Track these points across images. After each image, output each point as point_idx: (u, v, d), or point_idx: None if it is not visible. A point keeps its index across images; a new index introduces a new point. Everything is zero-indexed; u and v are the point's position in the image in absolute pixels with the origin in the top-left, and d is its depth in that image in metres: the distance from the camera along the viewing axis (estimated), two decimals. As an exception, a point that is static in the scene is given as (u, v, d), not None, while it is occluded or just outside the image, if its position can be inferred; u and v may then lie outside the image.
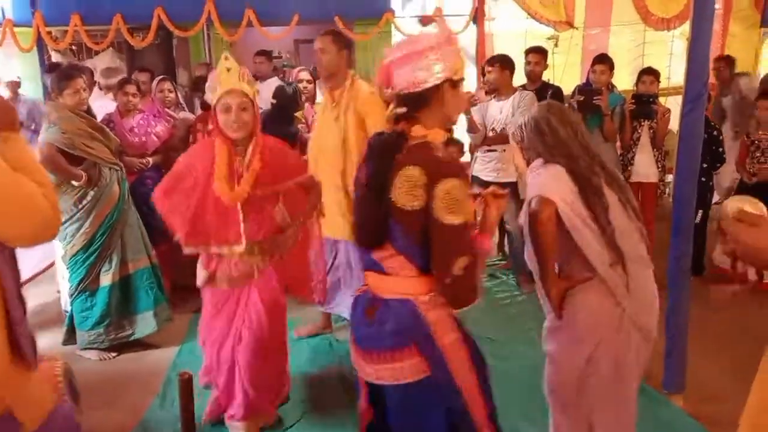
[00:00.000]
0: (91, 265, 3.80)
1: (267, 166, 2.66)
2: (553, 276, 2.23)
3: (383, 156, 1.75)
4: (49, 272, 4.87)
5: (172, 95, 4.92)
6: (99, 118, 4.13)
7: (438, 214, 1.66)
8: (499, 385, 3.36)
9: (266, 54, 5.97)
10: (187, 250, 2.69)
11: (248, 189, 2.61)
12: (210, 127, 2.70)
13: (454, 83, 1.78)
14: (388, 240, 1.76)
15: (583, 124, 2.30)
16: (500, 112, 4.61)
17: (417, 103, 1.76)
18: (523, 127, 2.32)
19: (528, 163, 2.37)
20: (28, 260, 4.45)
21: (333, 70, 3.51)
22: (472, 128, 4.60)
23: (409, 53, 1.73)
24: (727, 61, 6.22)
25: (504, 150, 4.62)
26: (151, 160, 4.45)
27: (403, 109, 1.77)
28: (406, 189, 1.68)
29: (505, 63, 4.66)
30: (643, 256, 2.22)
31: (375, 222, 1.76)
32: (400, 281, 1.78)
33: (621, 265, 2.14)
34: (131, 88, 4.44)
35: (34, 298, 4.59)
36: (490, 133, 4.65)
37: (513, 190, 4.65)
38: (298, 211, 2.80)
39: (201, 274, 2.75)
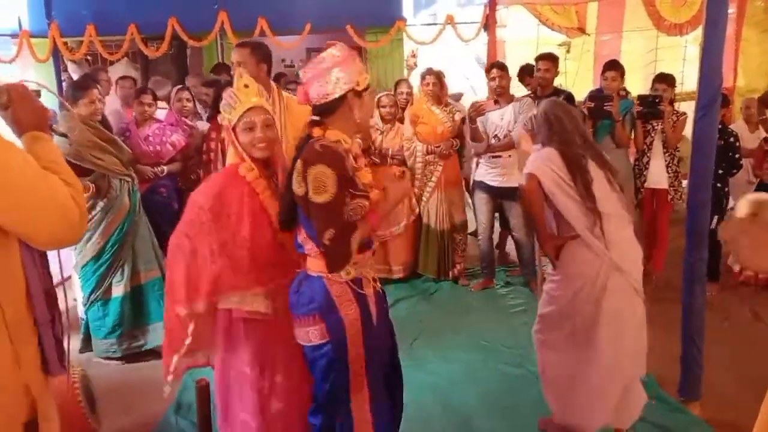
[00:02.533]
0: (101, 275, 3.82)
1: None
2: (547, 235, 2.81)
3: (295, 155, 2.10)
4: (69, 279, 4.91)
5: (190, 104, 4.94)
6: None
7: (310, 195, 2.01)
8: (514, 390, 3.40)
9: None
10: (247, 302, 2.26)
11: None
12: (224, 135, 2.45)
13: (358, 93, 2.11)
14: (300, 225, 2.13)
15: (581, 118, 2.82)
16: (501, 119, 4.65)
17: (326, 112, 2.11)
18: (533, 118, 2.86)
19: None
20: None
21: None
22: (476, 137, 4.64)
23: (318, 71, 2.06)
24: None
25: (510, 156, 4.68)
26: (165, 168, 4.48)
27: (316, 118, 2.12)
28: (295, 178, 2.04)
29: (507, 69, 4.78)
30: (624, 214, 2.75)
31: (287, 208, 2.15)
32: (314, 260, 2.13)
33: (599, 227, 2.64)
34: (147, 98, 4.48)
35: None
36: (493, 140, 4.70)
37: (518, 194, 4.66)
38: None
39: (263, 304, 2.29)
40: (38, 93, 1.87)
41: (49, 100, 6.23)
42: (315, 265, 2.13)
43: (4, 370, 1.44)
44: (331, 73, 2.04)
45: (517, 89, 5.39)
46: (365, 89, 2.13)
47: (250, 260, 2.23)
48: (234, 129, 2.30)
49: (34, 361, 1.56)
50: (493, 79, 4.69)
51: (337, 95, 2.06)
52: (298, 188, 2.04)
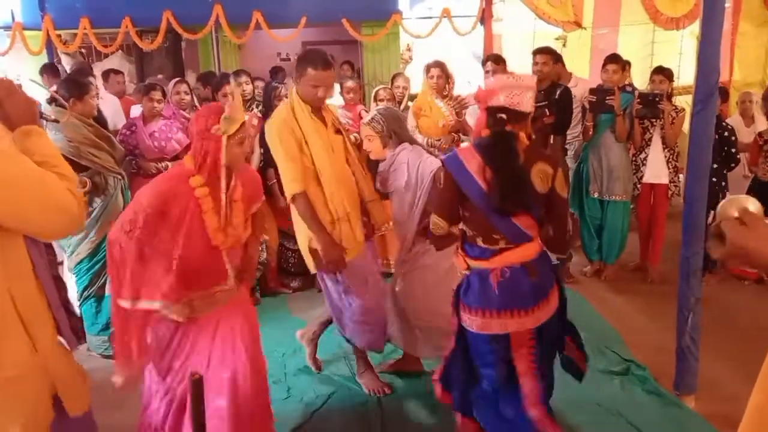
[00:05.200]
0: (95, 273, 3.78)
1: (244, 190, 2.44)
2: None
3: (513, 154, 2.33)
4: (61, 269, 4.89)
5: (188, 97, 4.92)
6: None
7: (560, 192, 2.41)
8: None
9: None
10: (166, 310, 2.25)
11: (242, 232, 2.40)
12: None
13: None
14: (530, 213, 2.36)
15: None
16: None
17: (519, 118, 2.39)
18: (381, 120, 3.18)
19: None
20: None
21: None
22: (465, 131, 4.64)
23: (526, 86, 2.39)
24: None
25: None
26: (169, 165, 4.42)
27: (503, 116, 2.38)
28: (541, 178, 2.36)
29: (504, 62, 4.75)
30: None
31: (526, 196, 2.34)
32: (538, 243, 2.44)
33: None
34: (156, 95, 4.44)
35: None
36: None
37: None
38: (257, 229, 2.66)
39: (180, 310, 2.30)
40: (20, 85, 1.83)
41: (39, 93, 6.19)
42: (539, 247, 2.44)
43: (21, 358, 1.49)
44: (530, 91, 2.40)
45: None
46: None
47: (178, 272, 2.20)
48: (229, 140, 2.25)
49: (52, 339, 1.64)
50: (488, 72, 4.67)
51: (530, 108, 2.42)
52: (542, 187, 2.35)
